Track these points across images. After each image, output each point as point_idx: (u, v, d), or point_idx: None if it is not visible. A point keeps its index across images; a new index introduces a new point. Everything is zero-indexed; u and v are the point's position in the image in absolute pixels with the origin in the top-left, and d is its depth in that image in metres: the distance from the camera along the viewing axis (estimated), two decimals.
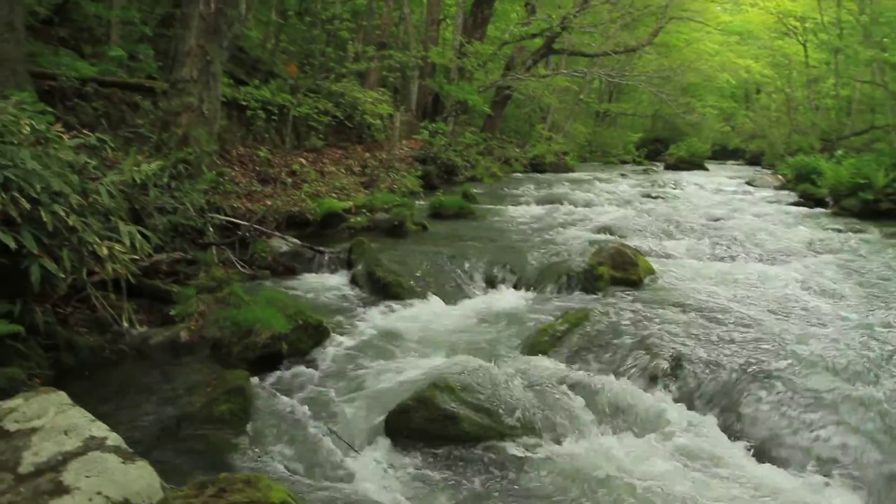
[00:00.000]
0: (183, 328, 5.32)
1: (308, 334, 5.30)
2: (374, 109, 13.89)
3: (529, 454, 3.86)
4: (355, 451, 3.84)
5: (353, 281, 7.12)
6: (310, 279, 7.26)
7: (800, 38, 24.35)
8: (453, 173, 15.63)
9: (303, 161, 10.95)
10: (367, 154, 13.46)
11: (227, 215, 7.63)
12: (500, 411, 4.18)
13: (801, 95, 26.26)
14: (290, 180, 9.94)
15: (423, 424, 4.00)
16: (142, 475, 2.16)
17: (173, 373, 4.76)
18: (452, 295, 6.74)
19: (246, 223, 7.50)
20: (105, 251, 4.52)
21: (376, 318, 6.05)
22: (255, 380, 4.59)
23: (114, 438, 2.27)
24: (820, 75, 25.60)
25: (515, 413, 4.20)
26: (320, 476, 3.59)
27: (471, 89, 17.60)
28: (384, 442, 3.96)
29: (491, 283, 7.13)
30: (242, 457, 3.68)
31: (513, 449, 3.91)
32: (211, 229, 7.11)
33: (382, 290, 6.78)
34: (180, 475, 3.30)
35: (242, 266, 7.12)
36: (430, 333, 5.62)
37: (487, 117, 20.87)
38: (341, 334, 5.53)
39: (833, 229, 11.03)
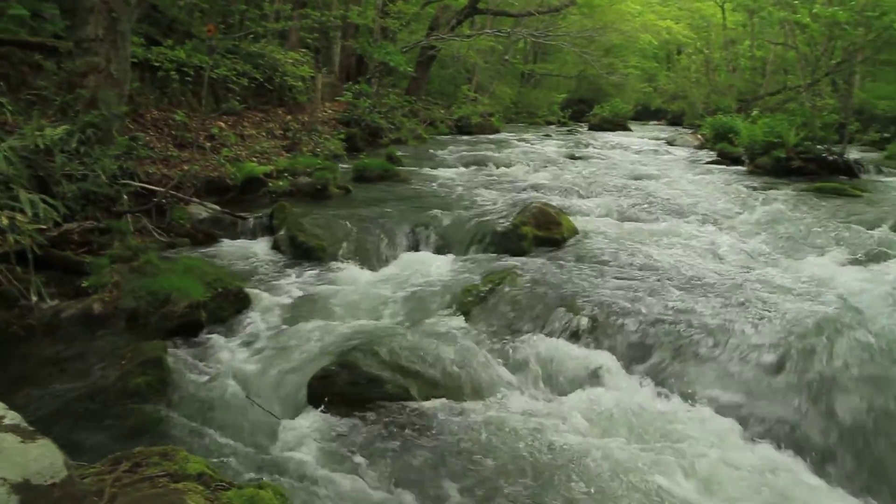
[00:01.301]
0: (96, 300, 5.12)
1: (229, 302, 5.18)
2: (296, 71, 13.53)
3: (453, 414, 3.88)
4: (277, 417, 3.79)
5: (276, 246, 6.99)
6: (231, 246, 7.09)
7: (717, 1, 24.85)
8: (378, 136, 15.45)
9: (222, 125, 10.62)
10: (289, 117, 13.13)
11: (141, 181, 7.35)
12: (424, 373, 4.19)
13: (719, 57, 26.88)
14: (208, 144, 9.62)
15: (346, 388, 3.97)
16: (43, 454, 2.06)
17: (86, 347, 4.59)
18: (376, 258, 6.69)
19: (162, 189, 7.23)
20: (5, 221, 4.29)
21: (299, 283, 5.96)
22: (173, 350, 4.48)
23: (12, 417, 2.15)
24: (737, 37, 26.26)
25: (439, 374, 4.21)
26: (242, 445, 3.53)
27: (394, 50, 17.36)
28: (307, 407, 3.92)
29: (415, 245, 7.11)
30: (160, 430, 3.59)
31: (437, 409, 3.92)
32: (125, 196, 6.84)
33: (305, 254, 6.68)
34: (93, 452, 3.19)
35: (160, 234, 6.89)
36: (354, 297, 5.57)
37: (412, 79, 20.65)
38: (263, 301, 5.43)
39: (748, 187, 11.38)
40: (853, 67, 16.19)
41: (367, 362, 4.11)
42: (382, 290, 5.76)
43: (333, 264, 6.43)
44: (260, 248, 7.04)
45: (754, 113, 17.39)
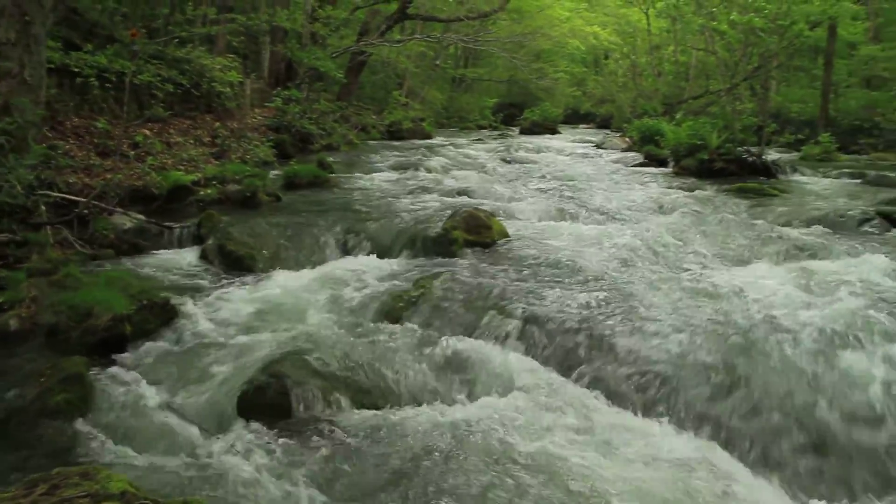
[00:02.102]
0: (12, 316, 4.92)
1: (154, 314, 5.06)
2: (224, 77, 13.29)
3: (385, 421, 3.88)
4: (205, 431, 3.72)
5: (204, 256, 6.86)
6: (158, 256, 6.93)
7: (642, 7, 25.46)
8: (308, 142, 15.30)
9: (146, 132, 10.35)
10: (218, 123, 12.88)
11: (61, 191, 7.11)
12: (356, 380, 4.19)
13: (644, 62, 27.53)
14: (132, 153, 9.35)
15: (276, 399, 3.93)
16: None
17: (2, 365, 4.41)
18: (307, 265, 6.63)
19: (83, 199, 7.01)
20: None
21: (229, 292, 5.86)
22: (96, 366, 4.35)
23: None
24: (661, 42, 26.95)
25: (371, 381, 4.22)
26: (168, 461, 3.46)
27: (324, 55, 17.22)
28: (236, 420, 3.86)
29: (346, 251, 7.08)
30: (81, 449, 3.49)
31: (368, 417, 3.92)
32: (43, 207, 6.60)
33: (235, 263, 6.59)
34: (9, 476, 3.09)
35: (82, 246, 6.68)
36: (285, 305, 5.52)
37: (343, 84, 20.52)
38: (191, 312, 5.31)
39: (673, 188, 11.72)
40: (769, 73, 16.86)
41: (297, 372, 4.09)
42: (313, 297, 5.71)
43: (263, 273, 6.35)
44: (188, 258, 6.90)
45: (679, 116, 17.90)
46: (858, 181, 13.34)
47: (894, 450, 3.70)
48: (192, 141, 11.40)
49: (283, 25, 16.38)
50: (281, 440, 3.65)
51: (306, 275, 6.38)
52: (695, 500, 3.28)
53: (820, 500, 3.49)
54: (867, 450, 3.72)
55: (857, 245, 7.65)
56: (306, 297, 5.72)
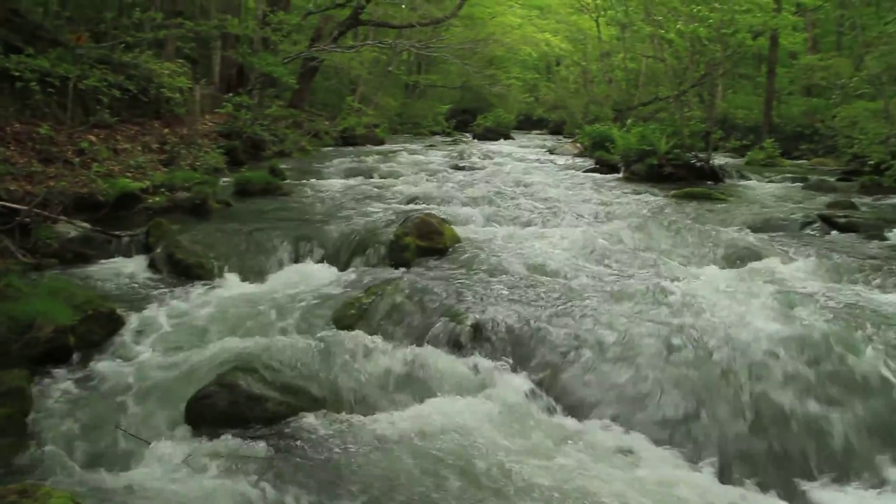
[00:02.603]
0: None
1: (100, 324, 4.96)
2: (172, 82, 13.08)
3: (338, 429, 3.85)
4: (148, 444, 3.65)
5: (152, 265, 6.75)
6: (104, 266, 6.79)
7: (592, 15, 25.87)
8: (261, 148, 15.16)
9: (92, 138, 10.12)
10: (167, 130, 12.67)
11: (1, 199, 6.92)
12: (307, 388, 4.15)
13: (595, 68, 27.97)
14: (77, 160, 9.14)
15: (226, 409, 3.88)
16: None
17: None
18: (258, 273, 6.57)
19: (25, 207, 6.84)
20: None
21: (177, 301, 5.78)
22: (38, 378, 4.25)
23: None
24: (611, 50, 27.39)
25: (323, 389, 4.19)
26: (113, 475, 3.38)
27: (275, 61, 17.07)
28: (185, 431, 3.81)
29: (298, 258, 7.03)
30: (21, 466, 3.40)
31: (321, 426, 3.88)
32: None
33: (184, 272, 6.50)
34: None
35: (23, 255, 6.50)
36: (235, 314, 5.46)
37: (296, 90, 20.39)
38: (138, 322, 5.23)
39: (623, 192, 11.91)
40: (715, 80, 17.25)
41: (248, 381, 4.04)
42: (264, 305, 5.66)
43: (213, 281, 6.28)
44: (135, 267, 6.77)
45: (629, 122, 18.17)
46: (800, 185, 13.74)
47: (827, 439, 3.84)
48: (140, 147, 11.20)
49: (235, 31, 16.21)
50: (231, 450, 3.60)
51: (257, 283, 6.33)
52: (637, 497, 3.34)
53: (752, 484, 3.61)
54: (800, 439, 3.84)
55: (799, 247, 7.87)
56: (257, 305, 5.67)
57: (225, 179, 11.05)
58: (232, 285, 6.17)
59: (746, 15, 15.11)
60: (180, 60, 14.60)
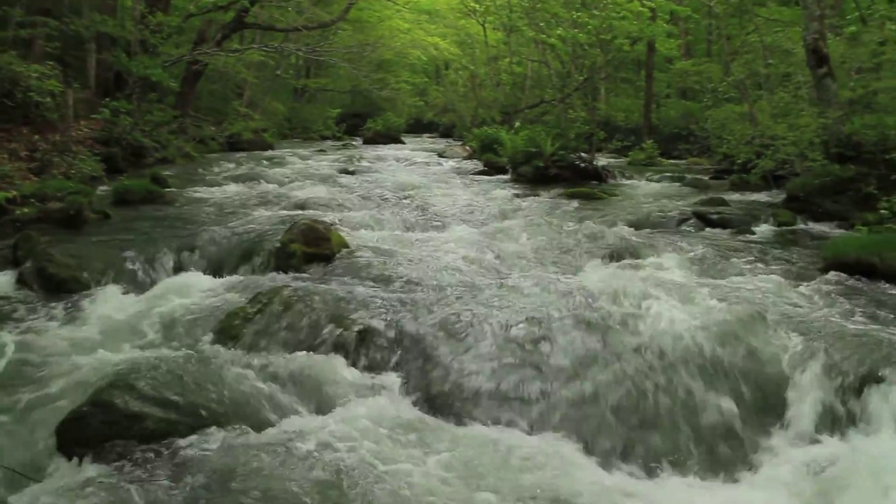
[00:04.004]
0: None
1: None
2: (42, 86, 12.39)
3: (223, 444, 3.75)
4: (21, 472, 3.46)
5: (22, 280, 6.36)
6: None
7: (479, 20, 26.21)
8: (142, 155, 14.57)
9: None
10: (37, 136, 12.00)
11: None
12: (190, 403, 4.02)
13: (483, 72, 28.36)
14: None
15: (101, 430, 3.70)
16: None
17: None
18: (138, 285, 6.33)
19: None
20: None
21: (49, 318, 5.50)
22: None
23: None
24: (498, 54, 27.88)
25: (207, 403, 4.06)
26: None
27: (155, 64, 16.43)
28: (56, 456, 3.62)
29: (180, 268, 6.81)
30: None
31: (205, 441, 3.77)
32: None
33: (57, 286, 6.18)
34: None
35: None
36: (113, 329, 5.24)
37: (179, 95, 19.70)
38: (5, 341, 4.93)
39: (511, 194, 12.19)
40: (597, 84, 17.91)
41: (125, 398, 3.87)
42: (144, 318, 5.45)
43: (89, 295, 5.98)
44: (2, 283, 6.38)
45: (516, 125, 18.59)
46: (678, 184, 14.46)
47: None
48: (6, 155, 10.57)
49: (108, 32, 15.52)
50: (107, 474, 3.44)
51: (137, 295, 6.09)
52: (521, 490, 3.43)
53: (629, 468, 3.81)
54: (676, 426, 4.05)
55: (676, 243, 8.28)
56: (136, 318, 5.46)
57: (103, 188, 10.58)
58: (110, 299, 5.90)
59: (623, 22, 15.76)
60: (50, 63, 13.84)
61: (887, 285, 6.46)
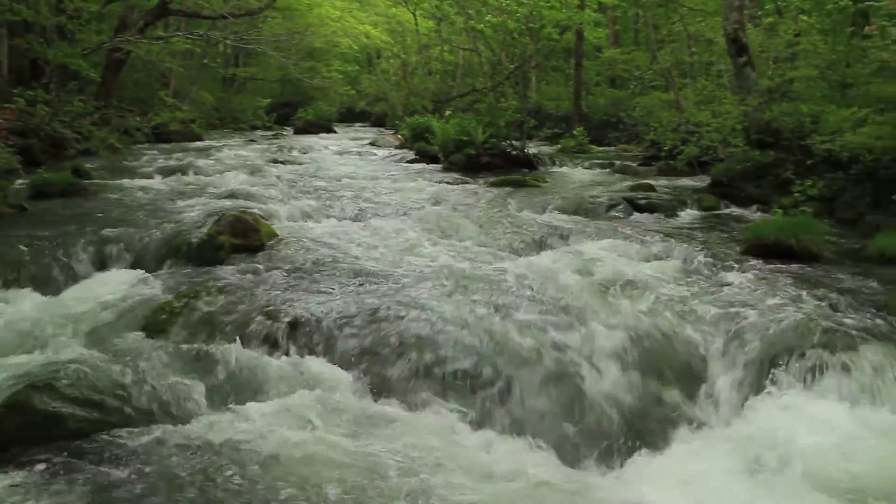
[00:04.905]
0: None
1: None
2: None
3: (150, 441, 3.65)
4: None
5: None
6: None
7: (409, 8, 26.09)
8: (63, 147, 14.04)
9: None
10: None
11: None
12: (113, 402, 3.91)
13: (415, 61, 28.30)
14: None
15: (18, 432, 3.57)
16: None
17: None
18: (57, 282, 6.07)
19: None
20: None
21: None
22: None
23: None
24: (430, 42, 27.84)
25: (133, 400, 3.97)
26: None
27: (73, 52, 15.83)
28: None
29: (103, 264, 6.58)
30: None
31: (131, 439, 3.67)
32: None
33: None
34: None
35: None
36: (30, 329, 5.01)
37: (101, 84, 19.03)
38: None
39: (443, 182, 12.21)
40: (528, 72, 18.06)
41: (44, 399, 3.74)
42: (65, 316, 5.23)
43: (3, 293, 5.74)
44: None
45: (448, 113, 18.60)
46: (607, 170, 14.76)
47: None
48: None
49: (23, 17, 14.86)
50: (24, 479, 3.29)
51: (56, 293, 5.87)
52: (455, 473, 3.46)
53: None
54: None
55: (606, 228, 8.45)
56: (56, 316, 5.23)
57: (20, 181, 10.16)
58: (26, 298, 5.65)
59: (552, 10, 15.92)
60: None
61: (803, 266, 6.74)
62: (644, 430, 4.19)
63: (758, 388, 4.46)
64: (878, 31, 8.26)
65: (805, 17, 12.14)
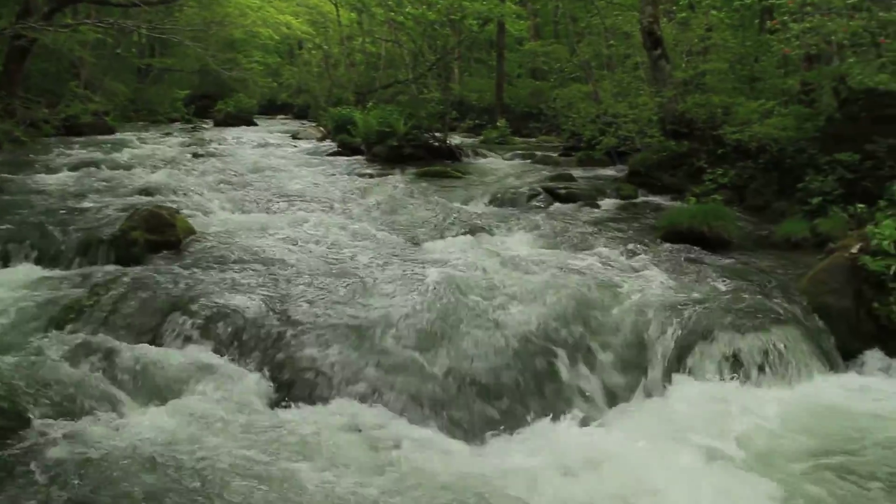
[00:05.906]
0: None
1: None
2: None
3: (56, 443, 3.52)
4: None
5: None
6: None
7: None
8: None
9: None
10: None
11: None
12: (20, 403, 3.77)
13: (337, 52, 28.00)
14: None
15: None
16: None
17: None
18: None
19: None
20: None
21: None
22: None
23: None
24: (352, 33, 27.56)
25: (40, 402, 3.84)
26: None
27: None
28: None
29: (9, 262, 6.29)
30: None
31: (36, 442, 3.53)
32: None
33: None
34: None
35: None
36: None
37: (4, 73, 18.11)
38: None
39: (365, 174, 12.17)
40: (450, 64, 18.11)
41: None
42: None
43: None
44: None
45: (370, 105, 18.47)
46: (529, 161, 14.94)
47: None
48: None
49: None
50: None
51: None
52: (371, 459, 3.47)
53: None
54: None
55: (525, 218, 8.57)
56: None
57: None
58: None
59: (474, 2, 15.99)
60: None
61: (715, 251, 7.00)
62: (572, 404, 4.29)
63: (672, 369, 4.63)
64: (779, 26, 8.60)
65: (716, 13, 12.54)
